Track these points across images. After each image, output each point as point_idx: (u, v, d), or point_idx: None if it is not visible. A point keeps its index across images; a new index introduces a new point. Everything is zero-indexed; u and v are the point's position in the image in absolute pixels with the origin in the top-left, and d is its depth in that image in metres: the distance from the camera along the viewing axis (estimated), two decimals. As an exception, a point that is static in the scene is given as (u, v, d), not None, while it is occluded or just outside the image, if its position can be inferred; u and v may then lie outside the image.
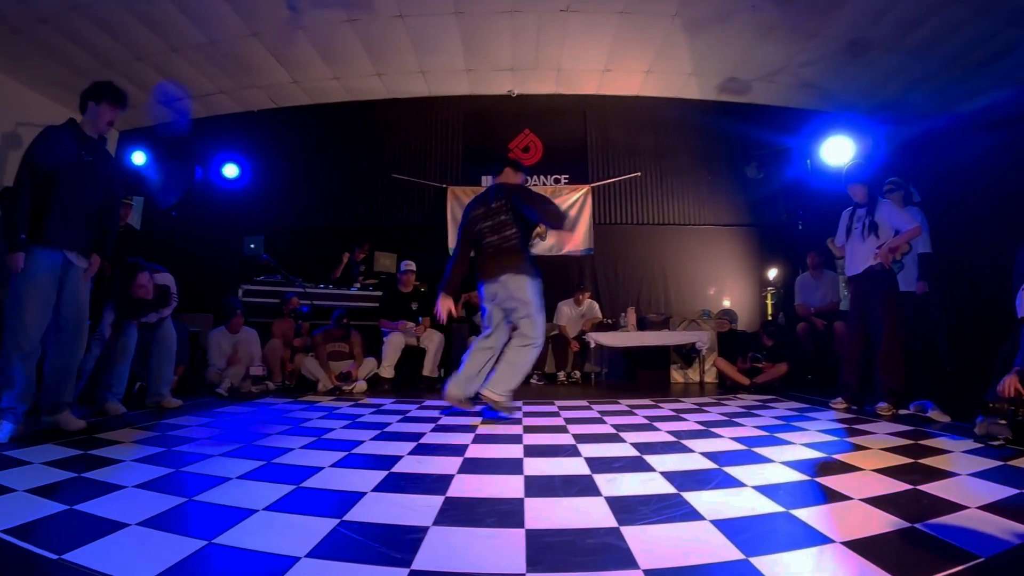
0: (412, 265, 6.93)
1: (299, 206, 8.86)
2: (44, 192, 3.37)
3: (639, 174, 8.87)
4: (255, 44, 7.14)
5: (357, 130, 8.97)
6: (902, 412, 4.22)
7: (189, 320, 6.13)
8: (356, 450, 3.00)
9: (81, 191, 3.53)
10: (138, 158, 8.04)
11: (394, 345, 6.41)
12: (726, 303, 8.38)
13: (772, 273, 8.53)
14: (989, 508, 1.95)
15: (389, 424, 3.89)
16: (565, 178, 8.88)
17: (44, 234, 3.35)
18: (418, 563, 1.52)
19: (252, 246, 7.51)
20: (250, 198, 8.61)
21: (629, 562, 1.54)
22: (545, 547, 1.64)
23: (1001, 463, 2.62)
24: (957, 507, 1.96)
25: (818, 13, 6.39)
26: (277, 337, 6.31)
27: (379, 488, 2.25)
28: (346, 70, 7.97)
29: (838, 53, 7.08)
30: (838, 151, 7.12)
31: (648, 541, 1.69)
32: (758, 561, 1.53)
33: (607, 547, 1.65)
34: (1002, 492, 2.15)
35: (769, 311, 8.18)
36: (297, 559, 1.53)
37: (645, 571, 1.48)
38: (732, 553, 1.60)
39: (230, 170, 8.41)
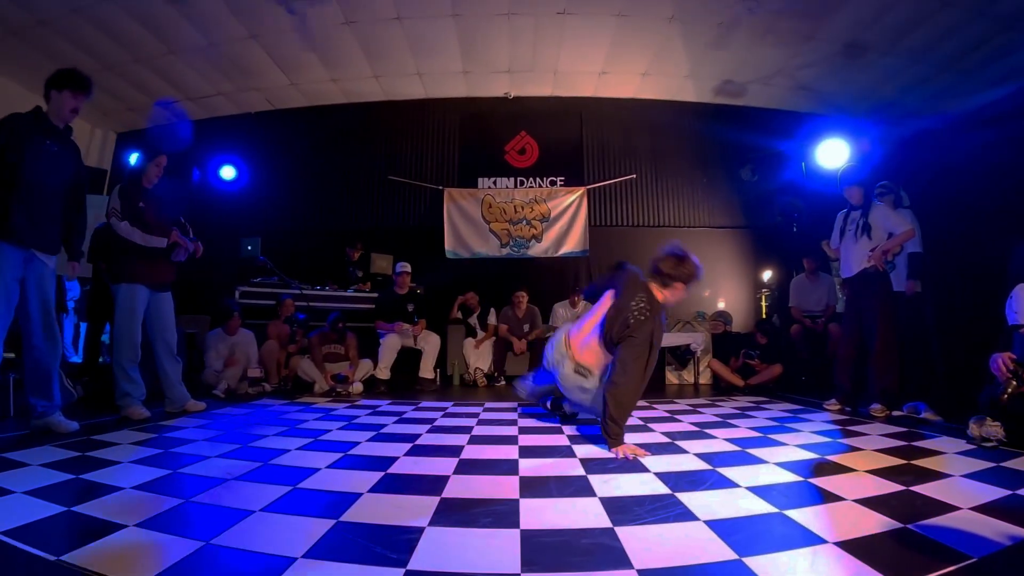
0: (408, 267, 6.93)
1: (296, 208, 8.85)
2: (7, 183, 3.20)
3: (635, 176, 8.89)
4: (253, 46, 7.14)
5: (354, 132, 8.96)
6: (895, 414, 4.24)
7: (186, 322, 6.11)
8: (352, 451, 3.01)
9: (47, 184, 3.38)
10: (134, 160, 8.01)
11: (390, 347, 6.41)
12: (721, 305, 8.39)
13: (767, 275, 8.56)
14: (981, 509, 1.97)
15: (385, 425, 3.90)
16: (561, 180, 8.89)
17: (9, 230, 3.19)
18: (414, 563, 1.53)
19: (249, 248, 7.49)
20: (247, 200, 8.59)
21: (623, 562, 1.55)
22: (540, 547, 1.66)
23: (994, 465, 2.64)
24: (950, 508, 1.98)
25: (815, 16, 6.40)
26: (273, 339, 6.30)
27: (375, 489, 2.26)
28: (344, 72, 7.97)
29: (834, 56, 7.09)
30: (833, 153, 7.13)
31: (642, 541, 1.70)
32: (751, 561, 1.54)
33: (601, 547, 1.66)
34: (995, 493, 2.17)
35: (763, 313, 8.20)
36: (294, 559, 1.54)
37: (639, 571, 1.49)
38: (726, 553, 1.61)
39: (227, 172, 8.39)
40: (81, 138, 7.88)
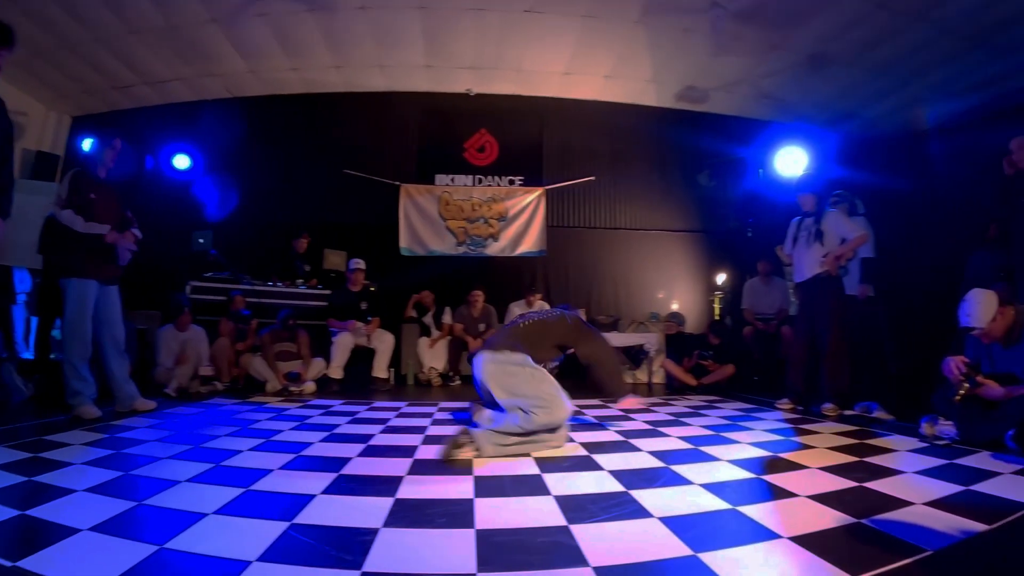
0: (362, 263, 6.82)
1: (249, 200, 8.56)
2: None
3: (593, 178, 8.92)
4: (214, 30, 6.92)
5: (311, 123, 8.76)
6: (847, 413, 4.36)
7: (136, 317, 5.92)
8: (305, 452, 2.97)
9: None
10: (87, 146, 7.68)
11: (343, 345, 6.32)
12: (674, 306, 8.51)
13: (720, 278, 8.69)
14: (935, 504, 2.03)
15: (338, 426, 3.85)
16: (520, 180, 8.88)
17: None
18: (369, 565, 1.52)
19: (201, 241, 7.28)
20: (200, 191, 8.30)
21: (579, 560, 1.56)
22: (496, 546, 1.65)
23: (947, 462, 2.73)
24: (903, 503, 2.04)
25: (781, 27, 6.47)
26: (224, 336, 6.13)
27: (329, 490, 2.23)
28: (305, 61, 7.80)
29: (799, 66, 7.18)
30: (791, 161, 7.28)
31: (597, 539, 1.71)
32: (706, 557, 1.57)
33: (557, 545, 1.67)
34: (948, 489, 2.25)
35: (717, 314, 8.34)
36: (248, 563, 1.51)
37: (595, 568, 1.50)
38: (681, 549, 1.63)
39: (181, 161, 8.12)
40: (34, 121, 7.62)
